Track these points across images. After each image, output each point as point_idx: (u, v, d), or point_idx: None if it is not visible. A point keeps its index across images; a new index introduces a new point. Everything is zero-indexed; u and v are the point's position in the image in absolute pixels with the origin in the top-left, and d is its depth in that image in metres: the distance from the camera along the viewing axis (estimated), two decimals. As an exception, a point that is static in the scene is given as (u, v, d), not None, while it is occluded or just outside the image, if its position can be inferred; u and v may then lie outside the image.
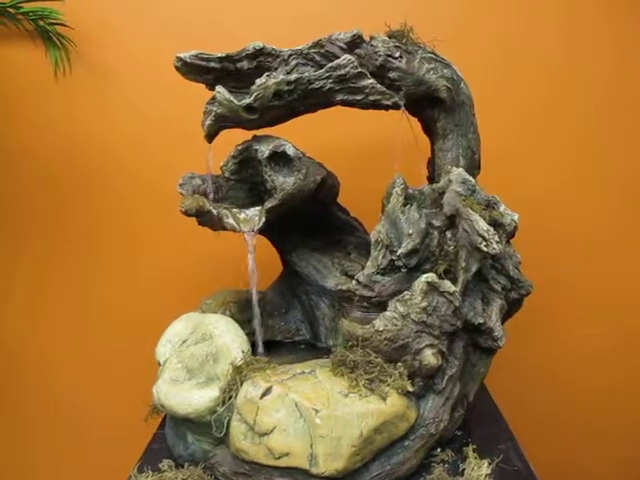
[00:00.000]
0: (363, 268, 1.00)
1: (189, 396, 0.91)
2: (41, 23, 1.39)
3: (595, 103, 1.50)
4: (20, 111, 1.50)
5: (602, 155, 1.52)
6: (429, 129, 1.11)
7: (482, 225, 0.90)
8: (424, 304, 0.89)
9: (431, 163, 1.13)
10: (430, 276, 0.90)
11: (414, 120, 1.10)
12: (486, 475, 0.89)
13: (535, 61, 1.48)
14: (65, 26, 1.41)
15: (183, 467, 0.93)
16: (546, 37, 1.47)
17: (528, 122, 1.51)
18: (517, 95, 1.49)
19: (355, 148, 1.47)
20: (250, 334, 1.05)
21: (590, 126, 1.51)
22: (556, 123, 1.51)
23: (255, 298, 1.04)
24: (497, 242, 0.89)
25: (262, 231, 1.04)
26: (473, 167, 1.10)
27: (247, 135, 1.06)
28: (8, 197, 1.56)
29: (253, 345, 1.03)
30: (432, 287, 0.89)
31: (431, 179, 1.13)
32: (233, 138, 1.05)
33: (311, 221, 1.18)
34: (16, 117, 1.50)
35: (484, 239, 0.89)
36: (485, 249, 0.89)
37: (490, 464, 0.92)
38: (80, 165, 1.53)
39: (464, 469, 0.92)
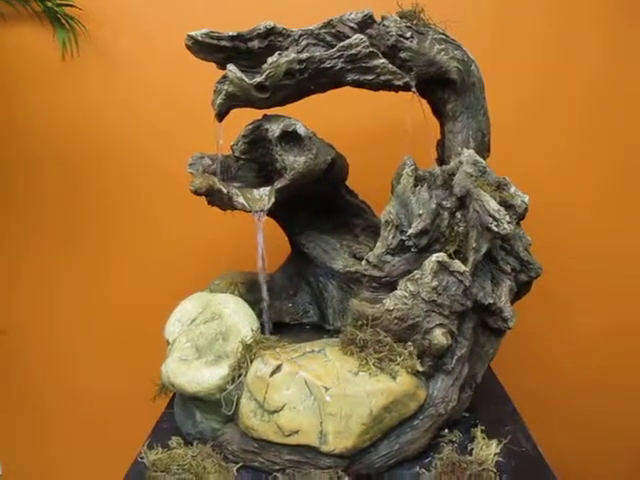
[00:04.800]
0: (372, 250, 1.00)
1: (198, 374, 0.91)
2: (49, 4, 1.38)
3: (600, 80, 1.50)
4: (28, 93, 1.50)
5: (612, 138, 1.52)
6: (439, 111, 1.11)
7: (493, 205, 0.89)
8: (434, 283, 0.89)
9: (441, 145, 1.13)
10: (440, 255, 0.90)
11: (424, 102, 1.10)
12: (494, 454, 0.90)
13: (539, 41, 1.48)
14: (73, 7, 1.41)
15: (192, 445, 0.93)
16: (545, 19, 1.47)
17: (534, 104, 1.51)
18: (521, 77, 1.49)
19: (364, 130, 1.46)
20: (258, 315, 1.05)
21: (601, 104, 1.51)
22: (564, 105, 1.51)
23: (263, 277, 1.04)
24: (508, 222, 0.88)
25: (271, 213, 1.04)
26: (483, 149, 1.09)
27: (257, 115, 1.06)
28: (18, 179, 1.56)
29: (261, 325, 1.03)
30: (442, 266, 0.89)
31: (441, 161, 1.12)
32: (243, 118, 1.05)
33: (320, 203, 1.18)
34: (24, 99, 1.50)
35: (495, 219, 0.88)
36: (496, 229, 0.88)
37: (498, 444, 0.92)
38: (89, 145, 1.53)
39: (472, 449, 0.92)
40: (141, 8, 1.46)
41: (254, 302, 1.08)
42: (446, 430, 0.98)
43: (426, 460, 0.92)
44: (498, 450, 0.90)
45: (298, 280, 1.23)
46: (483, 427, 0.97)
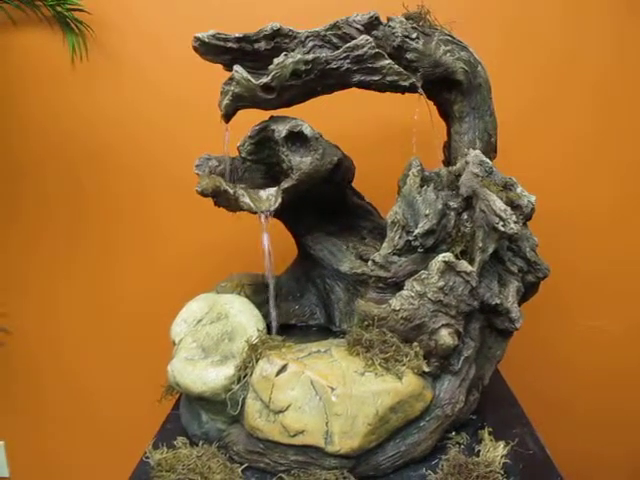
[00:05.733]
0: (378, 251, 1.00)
1: (204, 374, 0.91)
2: (59, 9, 1.40)
3: (609, 83, 1.49)
4: (38, 97, 1.51)
5: (619, 140, 1.51)
6: (446, 112, 1.11)
7: (499, 205, 0.89)
8: (441, 283, 0.89)
9: (447, 146, 1.13)
10: (447, 255, 0.90)
11: (430, 103, 1.10)
12: (502, 456, 0.89)
13: (547, 42, 1.48)
14: (83, 11, 1.42)
15: (197, 445, 0.93)
16: (552, 20, 1.47)
17: (541, 105, 1.50)
18: (528, 78, 1.49)
19: (370, 133, 1.47)
20: (264, 316, 1.05)
21: (607, 105, 1.50)
22: (571, 105, 1.50)
23: (270, 277, 1.04)
24: (514, 222, 0.88)
25: (277, 215, 1.05)
26: (490, 150, 1.09)
27: (265, 117, 1.06)
28: (27, 182, 1.58)
29: (268, 327, 1.03)
30: (449, 266, 0.89)
31: (447, 162, 1.12)
32: (250, 120, 1.05)
33: (326, 205, 1.18)
34: (34, 101, 1.52)
35: (501, 219, 0.88)
36: (502, 229, 0.88)
37: (506, 446, 0.91)
38: (97, 148, 1.54)
39: (479, 450, 0.91)
40: (149, 12, 1.47)
41: (260, 304, 1.08)
42: (453, 432, 0.97)
43: (433, 462, 0.91)
44: (505, 452, 0.89)
45: (305, 282, 1.23)
46: (490, 429, 0.96)
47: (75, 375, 1.69)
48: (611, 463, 1.63)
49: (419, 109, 1.04)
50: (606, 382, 1.61)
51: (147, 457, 0.91)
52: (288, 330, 1.17)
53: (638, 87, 1.48)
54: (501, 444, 0.91)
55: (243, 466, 0.90)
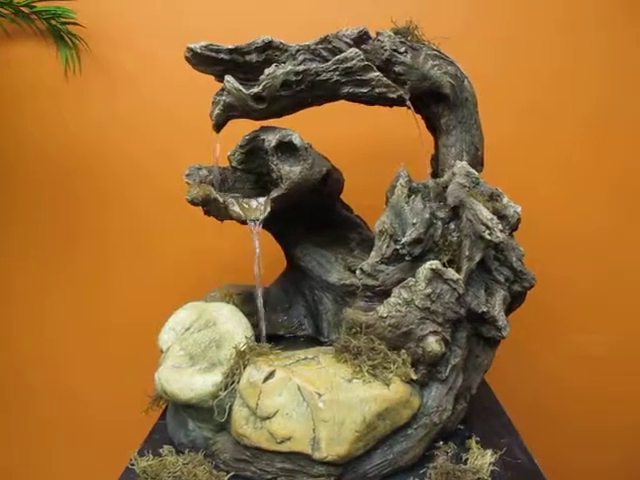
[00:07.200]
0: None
1: (191, 381, 0.90)
2: (53, 22, 1.42)
3: (595, 98, 1.53)
4: (31, 109, 1.53)
5: (605, 152, 1.54)
6: (433, 125, 1.13)
7: (486, 214, 0.90)
8: (428, 291, 0.89)
9: (435, 159, 1.14)
10: (434, 263, 0.90)
11: (418, 117, 1.12)
12: (489, 464, 0.89)
13: (536, 58, 1.51)
14: (77, 25, 1.44)
15: (184, 453, 0.92)
16: (545, 35, 1.50)
17: (529, 119, 1.53)
18: (518, 92, 1.52)
19: (359, 147, 1.48)
20: (253, 326, 1.04)
21: (591, 121, 1.53)
22: (558, 119, 1.53)
23: (259, 285, 1.04)
24: (501, 231, 0.89)
25: (267, 226, 1.05)
26: (476, 163, 1.11)
27: (255, 127, 1.07)
28: (19, 193, 1.58)
29: (256, 338, 1.03)
30: (436, 274, 0.90)
31: (435, 175, 1.14)
32: (241, 131, 1.06)
33: (315, 216, 1.19)
34: (27, 115, 1.53)
35: (488, 227, 0.89)
36: (489, 237, 0.89)
37: (494, 454, 0.91)
38: (90, 161, 1.55)
39: (467, 459, 0.91)
40: (142, 26, 1.49)
41: (249, 313, 1.08)
42: (441, 442, 0.96)
43: (420, 471, 0.91)
44: (493, 460, 0.90)
45: (293, 293, 1.23)
46: (478, 438, 0.96)
47: (63, 383, 1.67)
48: (600, 473, 1.62)
49: (407, 123, 1.06)
50: (593, 392, 1.61)
51: (132, 464, 0.90)
52: (276, 341, 1.16)
53: (629, 99, 1.52)
54: (489, 452, 0.91)
55: (229, 474, 0.90)
